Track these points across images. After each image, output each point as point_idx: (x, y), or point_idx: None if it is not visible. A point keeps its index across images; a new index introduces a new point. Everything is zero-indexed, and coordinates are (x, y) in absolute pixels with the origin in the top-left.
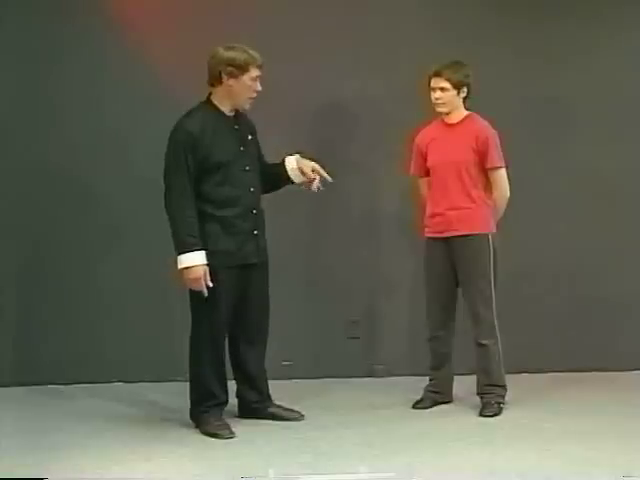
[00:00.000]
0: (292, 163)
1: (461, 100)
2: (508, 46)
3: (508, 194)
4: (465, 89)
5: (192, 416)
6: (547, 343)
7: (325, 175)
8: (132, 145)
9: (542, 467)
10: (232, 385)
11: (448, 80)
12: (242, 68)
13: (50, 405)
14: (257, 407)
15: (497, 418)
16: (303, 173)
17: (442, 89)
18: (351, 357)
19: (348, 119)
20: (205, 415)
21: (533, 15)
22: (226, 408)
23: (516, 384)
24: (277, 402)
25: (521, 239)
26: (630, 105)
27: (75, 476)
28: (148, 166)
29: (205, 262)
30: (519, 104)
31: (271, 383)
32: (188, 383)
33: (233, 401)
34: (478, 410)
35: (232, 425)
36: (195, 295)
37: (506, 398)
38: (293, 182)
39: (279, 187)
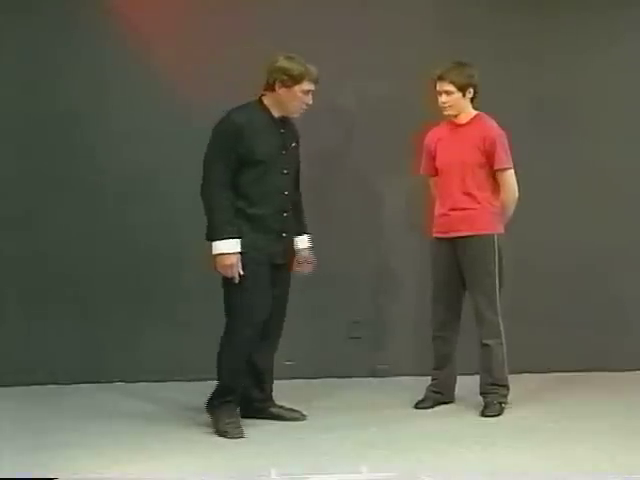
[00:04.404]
0: (302, 244)
1: (468, 101)
2: (514, 45)
3: (517, 195)
4: (471, 89)
5: (207, 410)
6: (550, 343)
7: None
8: (136, 144)
9: (544, 467)
10: None
11: (452, 83)
12: (296, 79)
13: (50, 405)
14: (259, 407)
15: (499, 418)
16: (299, 259)
17: (447, 92)
18: (353, 357)
19: (350, 118)
20: (218, 410)
21: (539, 13)
22: None
23: (518, 384)
24: (279, 402)
25: (524, 238)
26: (638, 104)
27: (76, 476)
28: (151, 164)
29: (239, 250)
30: (524, 103)
31: (273, 383)
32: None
33: None
34: (480, 410)
35: None
36: (231, 291)
37: (508, 398)
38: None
39: None
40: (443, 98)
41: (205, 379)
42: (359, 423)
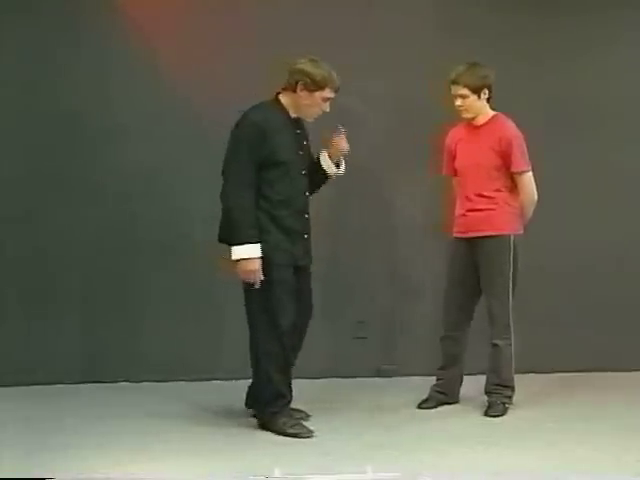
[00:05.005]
0: (324, 158)
1: (484, 102)
2: (514, 45)
3: (535, 198)
4: (486, 90)
5: (260, 417)
6: (552, 343)
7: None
8: (138, 143)
9: (547, 467)
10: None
11: (466, 87)
12: (319, 85)
13: (51, 405)
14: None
15: (504, 418)
16: (333, 153)
17: (462, 96)
18: (358, 357)
19: (351, 118)
20: (277, 415)
21: (539, 14)
22: (228, 407)
23: (521, 384)
24: None
25: (526, 238)
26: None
27: (76, 476)
28: (153, 163)
29: (260, 255)
30: (524, 104)
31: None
32: (253, 383)
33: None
34: (484, 410)
35: (236, 424)
36: (256, 295)
37: (513, 399)
38: (328, 176)
39: (318, 185)
40: (458, 102)
41: (209, 379)
42: (364, 423)
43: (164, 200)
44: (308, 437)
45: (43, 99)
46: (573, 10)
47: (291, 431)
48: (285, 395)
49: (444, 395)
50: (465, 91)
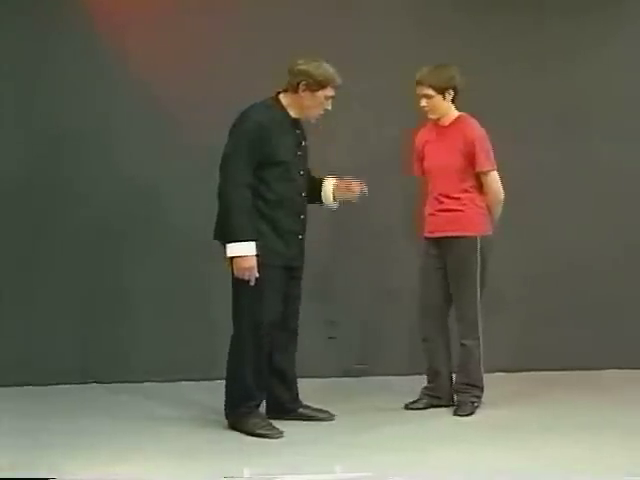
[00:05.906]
0: (328, 188)
1: (449, 103)
2: (512, 46)
3: (502, 197)
4: (451, 91)
5: (231, 416)
6: (546, 342)
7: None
8: (137, 143)
9: (526, 467)
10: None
11: (431, 87)
12: (321, 84)
13: (47, 405)
14: (288, 408)
15: (481, 418)
16: (345, 190)
17: (426, 96)
18: (332, 357)
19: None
20: (249, 416)
21: (538, 14)
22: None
23: (511, 384)
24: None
25: (520, 239)
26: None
27: (72, 476)
28: (151, 163)
29: (256, 253)
30: (522, 104)
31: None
32: (225, 382)
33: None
34: (453, 409)
35: (220, 425)
36: (242, 293)
37: (496, 398)
38: (322, 204)
39: (310, 202)
40: (423, 102)
41: (204, 379)
42: (337, 423)
43: (160, 201)
44: (278, 438)
45: (42, 100)
46: (570, 11)
47: (262, 432)
48: (257, 396)
49: (436, 398)
50: (430, 91)
